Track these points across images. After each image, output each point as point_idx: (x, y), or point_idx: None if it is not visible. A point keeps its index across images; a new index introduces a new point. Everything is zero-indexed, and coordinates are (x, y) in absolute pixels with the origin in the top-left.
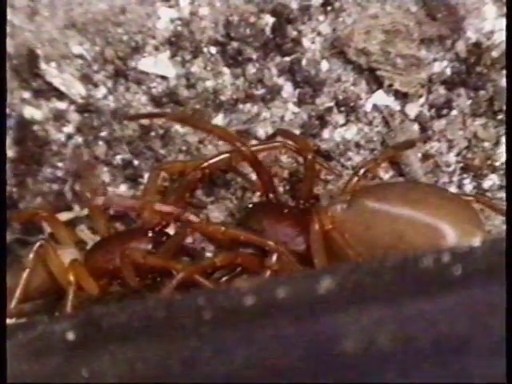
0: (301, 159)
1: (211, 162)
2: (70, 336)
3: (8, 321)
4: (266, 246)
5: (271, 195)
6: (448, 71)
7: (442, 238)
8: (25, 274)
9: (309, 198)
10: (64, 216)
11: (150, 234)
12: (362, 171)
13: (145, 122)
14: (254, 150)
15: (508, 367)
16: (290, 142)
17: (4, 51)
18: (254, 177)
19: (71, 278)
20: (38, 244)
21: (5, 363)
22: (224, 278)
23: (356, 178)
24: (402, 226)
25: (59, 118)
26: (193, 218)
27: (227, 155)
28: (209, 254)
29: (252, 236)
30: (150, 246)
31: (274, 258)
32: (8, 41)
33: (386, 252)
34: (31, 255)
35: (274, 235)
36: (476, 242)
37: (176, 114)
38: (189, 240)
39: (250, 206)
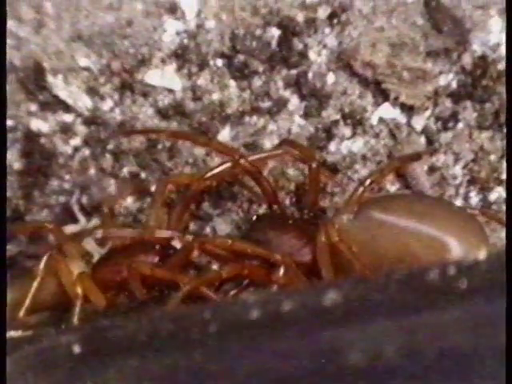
0: (307, 171)
1: (213, 172)
2: (76, 349)
3: (14, 333)
4: (273, 260)
5: (276, 206)
6: (454, 84)
7: (447, 252)
8: (35, 283)
9: (314, 207)
10: (70, 228)
11: (157, 248)
12: (367, 182)
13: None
14: (257, 158)
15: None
16: (294, 151)
17: (4, 54)
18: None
19: (79, 290)
20: (48, 254)
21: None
22: (232, 292)
23: (362, 189)
24: (407, 238)
25: (66, 130)
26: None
27: (228, 165)
28: (215, 267)
29: (258, 249)
30: (156, 259)
31: (281, 271)
32: (14, 53)
33: (391, 263)
34: (41, 265)
35: (280, 247)
36: (481, 255)
37: (172, 130)
38: (195, 254)
39: (255, 218)
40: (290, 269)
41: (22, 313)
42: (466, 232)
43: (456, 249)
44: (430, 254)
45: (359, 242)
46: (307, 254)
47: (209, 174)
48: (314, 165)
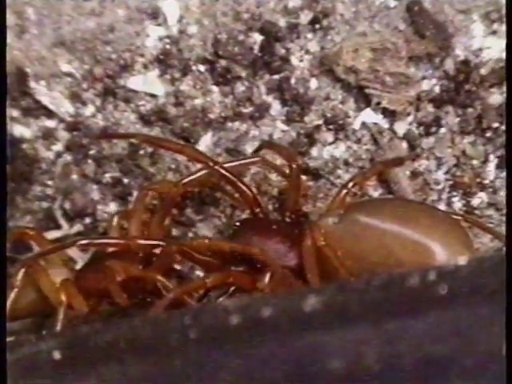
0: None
1: (189, 179)
2: (57, 355)
3: None
4: (252, 254)
5: (257, 210)
6: (437, 89)
7: (431, 257)
8: (12, 294)
9: (295, 209)
10: (53, 234)
11: (140, 255)
12: (350, 184)
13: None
14: (232, 165)
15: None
16: (268, 158)
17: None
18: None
19: (63, 297)
20: (26, 264)
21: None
22: (221, 299)
23: (345, 191)
24: (391, 242)
25: (48, 136)
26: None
27: (204, 172)
28: (199, 273)
29: (236, 245)
30: (140, 267)
31: (267, 278)
32: None
33: (374, 267)
34: (19, 275)
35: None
36: (461, 260)
37: (145, 135)
38: (177, 259)
39: (238, 223)
40: (277, 274)
41: None
42: (450, 237)
43: (440, 254)
44: (413, 258)
45: (343, 243)
46: (292, 258)
47: (185, 181)
48: (294, 165)
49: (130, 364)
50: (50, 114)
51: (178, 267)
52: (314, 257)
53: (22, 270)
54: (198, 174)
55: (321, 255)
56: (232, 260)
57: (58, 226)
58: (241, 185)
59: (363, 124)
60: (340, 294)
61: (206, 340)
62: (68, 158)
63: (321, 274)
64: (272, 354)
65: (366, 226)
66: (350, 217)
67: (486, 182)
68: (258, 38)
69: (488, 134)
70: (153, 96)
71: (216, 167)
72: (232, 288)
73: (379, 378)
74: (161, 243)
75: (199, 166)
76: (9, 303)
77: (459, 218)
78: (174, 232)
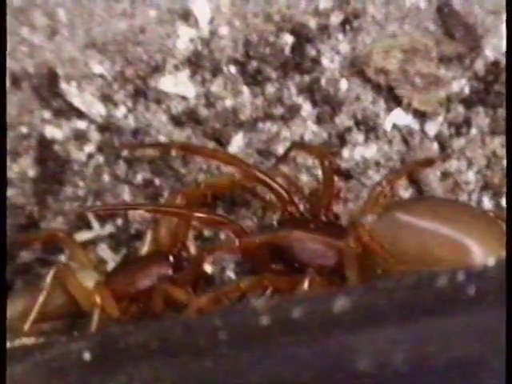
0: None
1: (211, 183)
2: (87, 356)
3: (26, 340)
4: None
5: (293, 209)
6: (466, 90)
7: (469, 256)
8: (41, 297)
9: (328, 207)
10: (84, 235)
11: (171, 259)
12: (384, 182)
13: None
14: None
15: None
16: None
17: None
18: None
19: (97, 299)
20: (55, 268)
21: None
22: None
23: (380, 188)
24: (429, 241)
25: (80, 137)
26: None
27: (228, 177)
28: (230, 275)
29: (267, 235)
30: (170, 271)
31: (306, 283)
32: (28, 60)
33: (412, 265)
34: (49, 279)
35: (303, 251)
36: (490, 261)
37: (178, 143)
38: (209, 260)
39: (276, 222)
40: (315, 282)
41: (27, 325)
42: (488, 236)
43: (477, 253)
44: (451, 257)
45: (381, 241)
46: (331, 257)
47: (208, 184)
48: (326, 162)
49: (160, 365)
50: (81, 115)
51: (208, 270)
52: (355, 256)
53: (52, 273)
54: (222, 179)
55: (362, 253)
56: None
57: (90, 227)
58: (276, 186)
59: (394, 125)
60: (369, 294)
61: (236, 341)
62: (100, 159)
63: (361, 274)
64: (301, 355)
65: (404, 225)
66: (389, 215)
67: None
68: (288, 39)
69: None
70: (184, 97)
71: (249, 170)
72: (269, 290)
73: (408, 378)
74: (220, 219)
75: (232, 167)
76: (38, 306)
77: (491, 214)
78: (206, 233)
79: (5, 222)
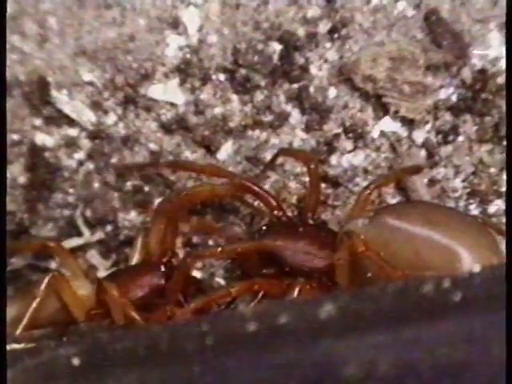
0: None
1: (190, 192)
2: (76, 361)
3: (16, 346)
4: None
5: (280, 213)
6: (454, 98)
7: (458, 261)
8: (34, 304)
9: (316, 210)
10: (74, 242)
11: (163, 269)
12: (372, 187)
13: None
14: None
15: None
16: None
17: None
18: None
19: (114, 292)
20: (49, 275)
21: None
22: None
23: (368, 192)
24: (418, 245)
25: (70, 144)
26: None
27: (207, 187)
28: (220, 280)
29: (249, 244)
30: (162, 281)
31: (296, 292)
32: (19, 68)
33: (402, 270)
34: (43, 286)
35: (293, 254)
36: (475, 268)
37: (166, 162)
38: (198, 266)
39: (264, 227)
40: (305, 290)
41: (18, 331)
42: (478, 243)
43: (468, 258)
44: (441, 262)
45: (373, 246)
46: (321, 260)
47: (188, 193)
48: (312, 166)
49: (147, 370)
50: (71, 122)
51: (197, 275)
52: (347, 264)
53: (46, 281)
54: (200, 189)
55: (353, 260)
56: (259, 264)
57: (80, 234)
58: (263, 193)
59: (382, 132)
60: (355, 300)
61: (223, 347)
62: (90, 166)
63: (351, 280)
64: (288, 361)
65: (395, 229)
66: (379, 220)
67: (503, 189)
68: (277, 47)
69: (505, 143)
70: (173, 105)
71: (236, 181)
72: (260, 295)
73: None
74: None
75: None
76: (30, 312)
77: (479, 221)
78: (195, 239)
79: (4, 224)
